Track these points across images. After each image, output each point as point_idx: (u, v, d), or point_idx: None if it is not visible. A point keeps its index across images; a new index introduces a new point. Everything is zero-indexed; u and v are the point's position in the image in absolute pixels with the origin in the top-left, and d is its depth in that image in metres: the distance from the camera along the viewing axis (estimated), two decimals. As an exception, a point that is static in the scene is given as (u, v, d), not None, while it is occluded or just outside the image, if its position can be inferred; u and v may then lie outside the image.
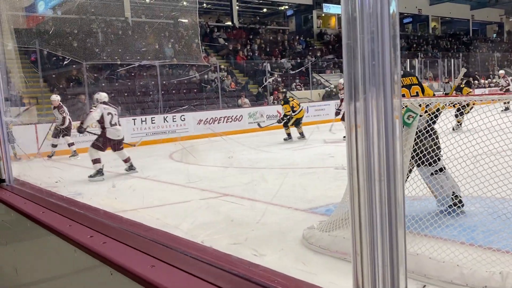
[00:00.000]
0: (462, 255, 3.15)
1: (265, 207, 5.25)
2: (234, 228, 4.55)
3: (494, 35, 39.07)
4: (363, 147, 0.63)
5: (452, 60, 26.39)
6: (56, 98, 11.06)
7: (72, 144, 11.19)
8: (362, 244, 0.65)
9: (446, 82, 18.33)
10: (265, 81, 19.81)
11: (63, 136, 11.11)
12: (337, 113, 12.67)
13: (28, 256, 1.83)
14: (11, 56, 12.60)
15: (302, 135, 12.33)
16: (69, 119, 11.09)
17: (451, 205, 4.08)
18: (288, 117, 12.19)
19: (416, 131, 3.94)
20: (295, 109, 12.17)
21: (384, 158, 0.62)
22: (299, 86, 21.31)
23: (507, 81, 16.71)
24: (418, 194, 4.03)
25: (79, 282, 1.34)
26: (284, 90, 13.70)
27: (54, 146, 11.26)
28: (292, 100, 12.52)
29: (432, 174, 4.18)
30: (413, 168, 4.20)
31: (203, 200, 5.89)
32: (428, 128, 4.03)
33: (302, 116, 12.42)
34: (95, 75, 16.58)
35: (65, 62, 15.59)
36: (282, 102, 12.51)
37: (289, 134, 12.23)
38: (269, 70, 20.64)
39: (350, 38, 0.62)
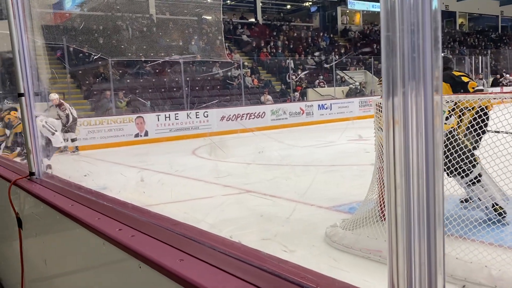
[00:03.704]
0: (491, 256, 3.07)
1: (288, 204, 5.24)
2: (259, 224, 4.55)
3: (524, 32, 38.01)
4: (401, 143, 0.61)
5: (480, 57, 25.80)
6: (55, 96, 10.90)
7: (75, 139, 11.30)
8: (398, 242, 0.63)
9: (480, 78, 17.79)
10: (289, 78, 19.73)
11: (66, 132, 10.89)
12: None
13: (57, 248, 1.86)
14: (39, 52, 12.86)
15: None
16: (72, 115, 11.09)
17: (494, 213, 3.92)
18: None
19: (444, 139, 3.82)
20: (13, 123, 9.53)
21: (423, 155, 0.60)
22: (322, 83, 21.16)
23: None
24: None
25: (108, 274, 1.36)
26: None
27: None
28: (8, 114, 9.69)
29: (469, 185, 3.96)
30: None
31: (226, 196, 5.91)
32: (455, 135, 3.90)
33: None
34: (120, 71, 16.80)
35: (91, 59, 15.83)
36: None
37: None
38: (292, 67, 20.55)
39: (390, 30, 0.60)
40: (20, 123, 9.51)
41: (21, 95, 2.20)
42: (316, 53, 23.38)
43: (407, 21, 0.59)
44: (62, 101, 11.14)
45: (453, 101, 3.88)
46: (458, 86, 4.36)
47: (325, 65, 21.90)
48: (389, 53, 0.61)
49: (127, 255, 1.14)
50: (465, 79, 4.41)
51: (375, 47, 24.75)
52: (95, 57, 15.39)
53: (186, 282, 0.91)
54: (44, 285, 2.09)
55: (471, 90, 4.30)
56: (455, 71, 4.62)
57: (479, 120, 3.75)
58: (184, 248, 1.05)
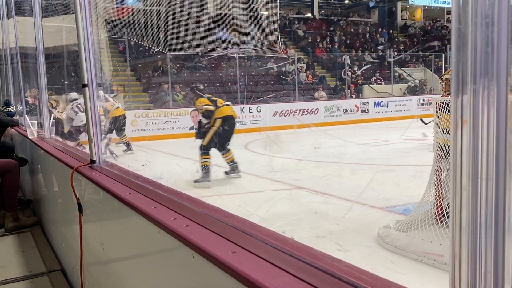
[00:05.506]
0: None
1: (339, 202, 5.16)
2: (309, 220, 4.52)
3: None
4: (469, 144, 0.58)
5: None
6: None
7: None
8: (461, 247, 0.60)
9: None
10: (344, 74, 19.41)
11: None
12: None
13: (114, 234, 1.94)
14: (102, 45, 13.40)
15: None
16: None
17: None
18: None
19: None
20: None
21: (494, 157, 0.57)
22: (379, 80, 20.66)
23: None
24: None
25: (162, 262, 1.39)
26: None
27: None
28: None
29: None
30: None
31: (277, 191, 5.92)
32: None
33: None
34: (178, 65, 17.21)
35: (151, 52, 16.32)
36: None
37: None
38: (349, 63, 20.20)
39: (461, 23, 0.57)
40: (117, 107, 10.00)
41: (85, 85, 2.30)
42: (379, 47, 22.82)
43: (481, 14, 0.55)
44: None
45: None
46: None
47: (387, 59, 21.36)
48: (460, 47, 0.57)
49: (181, 244, 1.16)
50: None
51: (436, 43, 23.85)
52: (155, 51, 15.85)
53: (238, 275, 0.91)
54: (101, 269, 2.18)
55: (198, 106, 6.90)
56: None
57: None
58: (236, 241, 1.06)
